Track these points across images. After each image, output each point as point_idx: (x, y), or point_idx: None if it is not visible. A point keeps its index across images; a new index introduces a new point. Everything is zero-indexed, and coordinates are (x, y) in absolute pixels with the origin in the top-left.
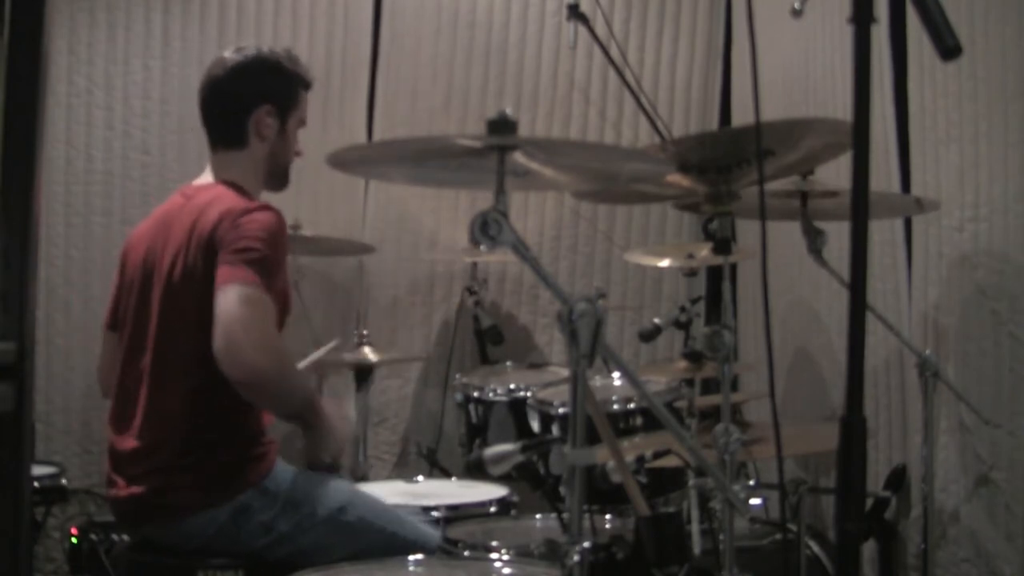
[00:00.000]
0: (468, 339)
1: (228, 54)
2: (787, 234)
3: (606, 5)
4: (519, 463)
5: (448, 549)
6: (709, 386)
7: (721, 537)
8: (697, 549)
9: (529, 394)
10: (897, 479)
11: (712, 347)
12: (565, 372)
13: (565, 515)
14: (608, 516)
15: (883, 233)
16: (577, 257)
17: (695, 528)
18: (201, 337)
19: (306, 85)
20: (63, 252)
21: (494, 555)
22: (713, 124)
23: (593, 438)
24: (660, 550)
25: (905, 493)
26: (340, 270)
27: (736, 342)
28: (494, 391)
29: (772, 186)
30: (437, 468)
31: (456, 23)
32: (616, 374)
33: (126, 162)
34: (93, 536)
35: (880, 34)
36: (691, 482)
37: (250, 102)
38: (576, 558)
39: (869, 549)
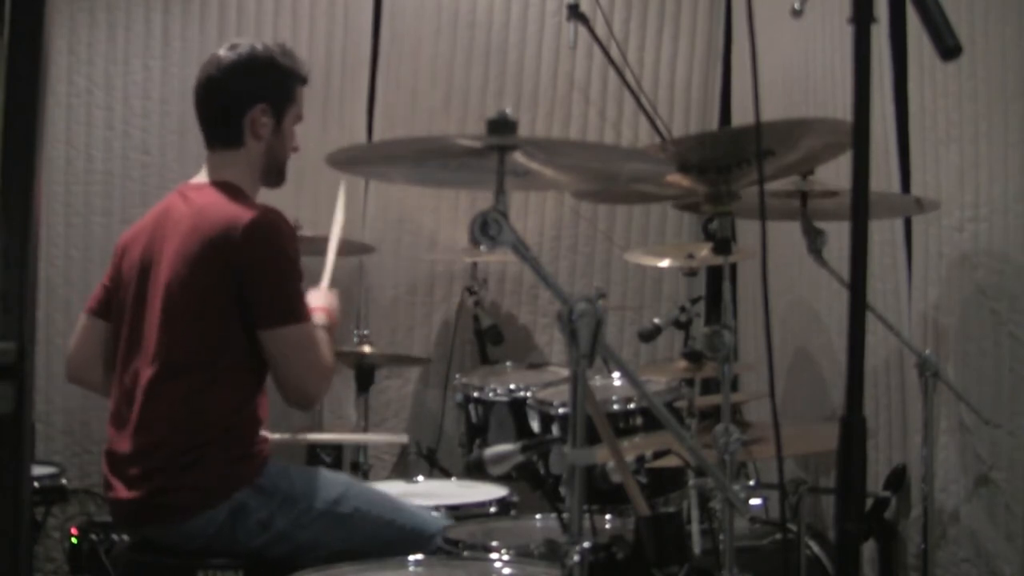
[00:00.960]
0: (468, 339)
1: (222, 52)
2: (787, 234)
3: (606, 5)
4: (519, 463)
5: (448, 549)
6: (709, 386)
7: (721, 537)
8: (697, 549)
9: (529, 394)
10: (897, 479)
11: (712, 347)
12: (565, 372)
13: (565, 515)
14: (608, 516)
15: (883, 233)
16: (577, 257)
17: (695, 528)
18: (201, 338)
19: (302, 80)
20: (63, 252)
21: (494, 555)
22: (713, 124)
23: (593, 438)
24: (660, 550)
25: (905, 493)
26: (340, 271)
27: (736, 342)
28: (494, 391)
29: (772, 186)
30: (437, 468)
31: (456, 23)
32: (616, 374)
33: (126, 162)
34: (93, 536)
35: (880, 34)
36: (691, 482)
37: (244, 101)
38: (576, 558)
39: (869, 549)
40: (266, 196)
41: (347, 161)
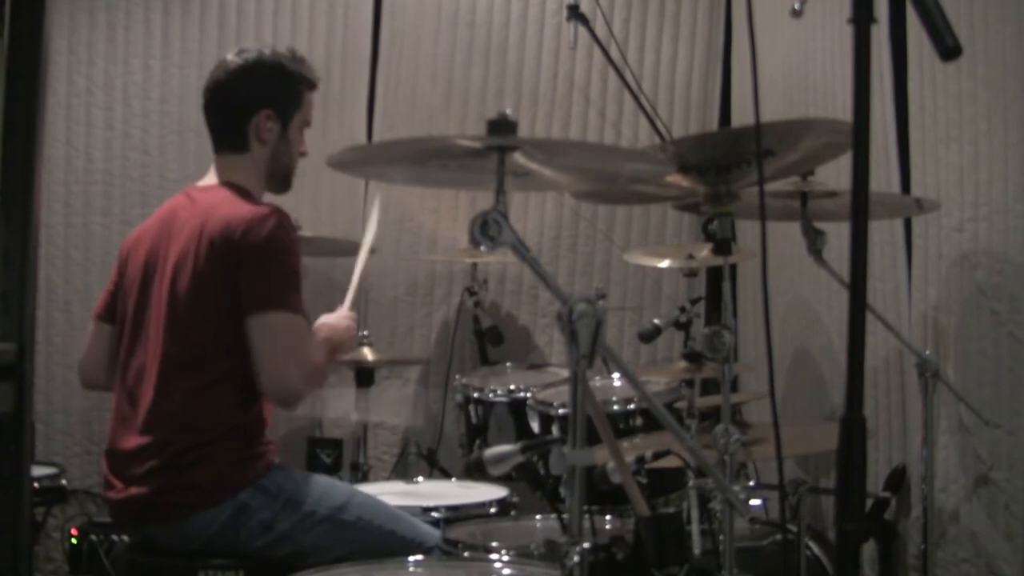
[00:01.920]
0: (468, 339)
1: (230, 56)
2: (787, 234)
3: (606, 5)
4: (519, 464)
5: (448, 550)
6: (709, 387)
7: (721, 538)
8: (697, 550)
9: (529, 395)
10: (897, 479)
11: (712, 348)
12: (565, 373)
13: (565, 516)
14: (608, 517)
15: (883, 233)
16: (577, 257)
17: (695, 529)
18: (205, 338)
19: (310, 85)
20: (63, 252)
21: (494, 556)
22: (713, 124)
23: (593, 439)
24: (660, 551)
25: (905, 493)
26: (340, 270)
27: (736, 342)
28: (494, 392)
29: (772, 186)
30: (437, 469)
31: (456, 23)
32: (616, 374)
33: (126, 162)
34: (93, 536)
35: (880, 34)
36: (691, 483)
37: (249, 106)
38: (576, 559)
39: (869, 549)
40: (268, 198)
41: (347, 161)
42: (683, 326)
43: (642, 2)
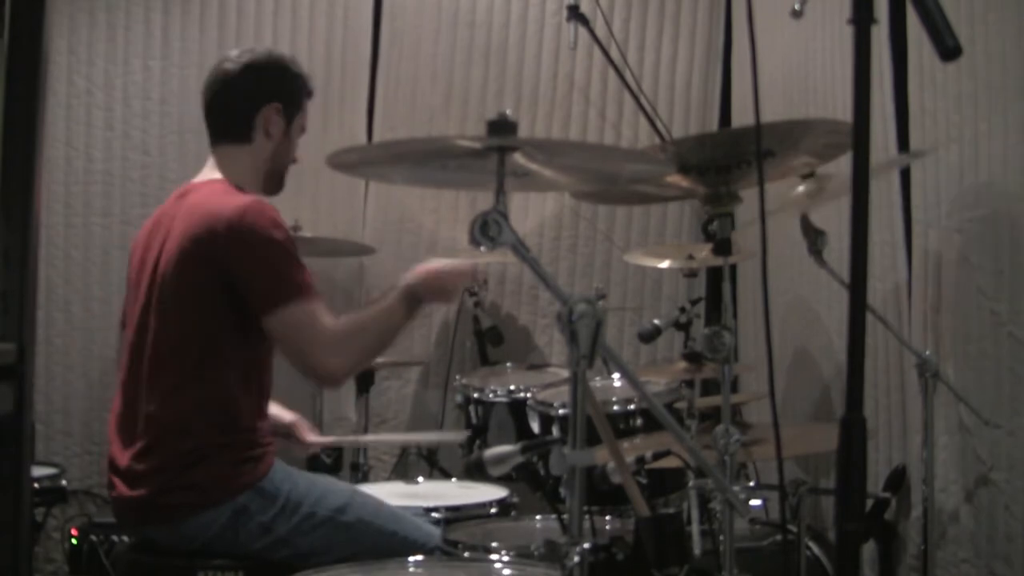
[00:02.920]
0: (468, 340)
1: (237, 52)
2: (787, 234)
3: (606, 6)
4: (519, 464)
5: (448, 550)
6: (709, 387)
7: (721, 538)
8: (697, 550)
9: (529, 395)
10: (897, 479)
11: (712, 348)
12: (565, 373)
13: (565, 516)
14: (608, 517)
15: (883, 233)
16: (577, 257)
17: (695, 529)
18: (197, 339)
19: (309, 92)
20: (63, 252)
21: (494, 556)
22: (713, 125)
23: (593, 439)
24: (660, 551)
25: (905, 493)
26: (340, 271)
27: (736, 343)
28: (494, 392)
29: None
30: (437, 469)
31: (456, 23)
32: (616, 375)
33: (126, 162)
34: (93, 537)
35: (880, 34)
36: (691, 483)
37: (261, 97)
38: (576, 559)
39: (869, 550)
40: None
41: (347, 162)
42: (683, 326)
43: (642, 2)
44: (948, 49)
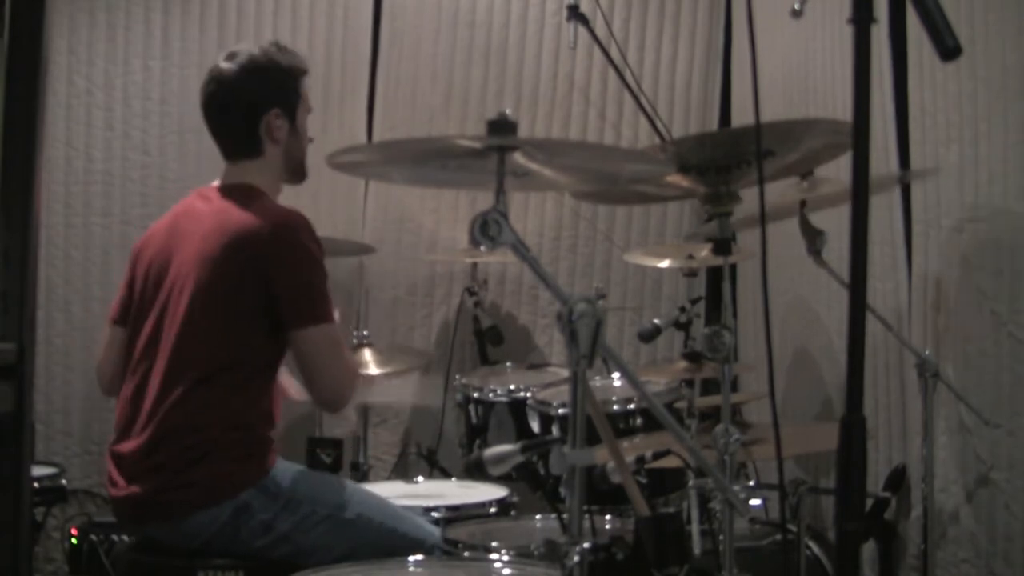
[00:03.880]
0: (468, 339)
1: (223, 64)
2: (787, 234)
3: (606, 5)
4: (519, 464)
5: (448, 550)
6: (709, 387)
7: (721, 538)
8: (697, 550)
9: (529, 395)
10: (897, 479)
11: (712, 348)
12: (565, 372)
13: (565, 516)
14: (608, 516)
15: (883, 233)
16: (577, 257)
17: (695, 529)
18: (223, 339)
19: (303, 72)
20: (63, 252)
21: (494, 556)
22: (713, 125)
23: (593, 439)
24: (660, 551)
25: (905, 493)
26: (340, 271)
27: (736, 343)
28: (494, 392)
29: (770, 198)
30: (437, 469)
31: (456, 23)
32: (616, 374)
33: (126, 162)
34: (93, 536)
35: (880, 34)
36: (691, 483)
37: (256, 110)
38: (576, 559)
39: (869, 549)
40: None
41: (347, 162)
42: (683, 326)
43: (642, 2)
44: (948, 49)
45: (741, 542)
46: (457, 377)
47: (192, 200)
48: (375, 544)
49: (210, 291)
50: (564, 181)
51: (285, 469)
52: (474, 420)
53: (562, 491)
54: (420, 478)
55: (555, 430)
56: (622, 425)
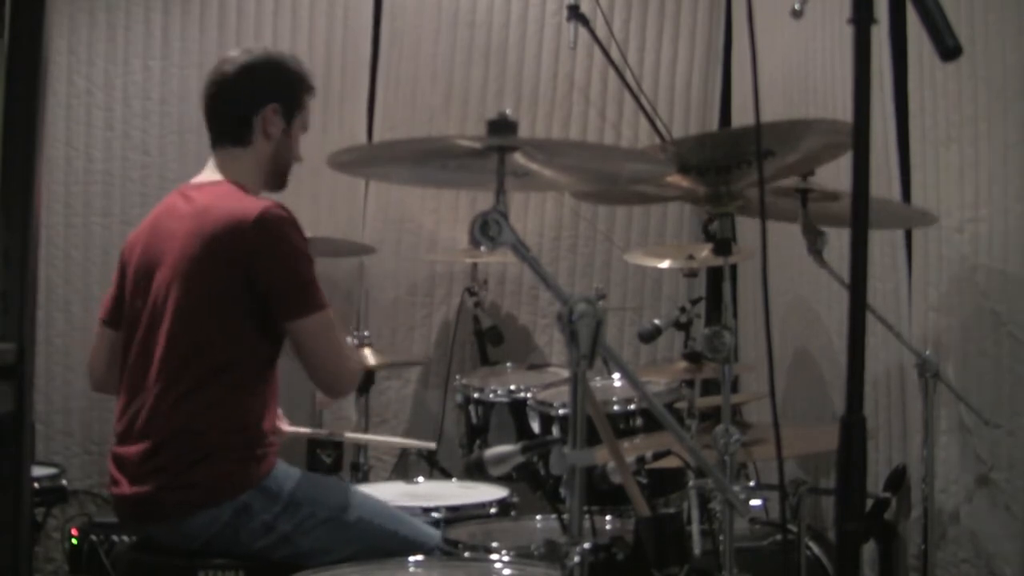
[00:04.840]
0: (468, 340)
1: (235, 53)
2: (787, 234)
3: (606, 6)
4: (519, 464)
5: (448, 550)
6: (709, 387)
7: (721, 538)
8: (697, 550)
9: (529, 395)
10: (897, 479)
11: (712, 348)
12: (565, 373)
13: (565, 516)
14: (608, 517)
15: (883, 234)
16: (577, 257)
17: (695, 529)
18: (212, 336)
19: (310, 89)
20: (63, 252)
21: (494, 556)
22: (713, 125)
23: (593, 439)
24: (660, 551)
25: (905, 493)
26: (340, 271)
27: (736, 343)
28: (494, 392)
29: (772, 185)
30: (437, 469)
31: (456, 23)
32: (616, 375)
33: (126, 162)
34: (93, 537)
35: (880, 34)
36: (691, 483)
37: (258, 99)
38: (576, 559)
39: (869, 550)
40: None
41: (347, 161)
42: (683, 326)
43: (642, 2)
44: (948, 49)
45: (741, 542)
46: (457, 377)
47: (173, 199)
48: (375, 546)
49: (197, 292)
50: (564, 181)
51: (286, 470)
52: (474, 420)
53: (562, 491)
54: (420, 478)
55: (555, 430)
56: (622, 425)
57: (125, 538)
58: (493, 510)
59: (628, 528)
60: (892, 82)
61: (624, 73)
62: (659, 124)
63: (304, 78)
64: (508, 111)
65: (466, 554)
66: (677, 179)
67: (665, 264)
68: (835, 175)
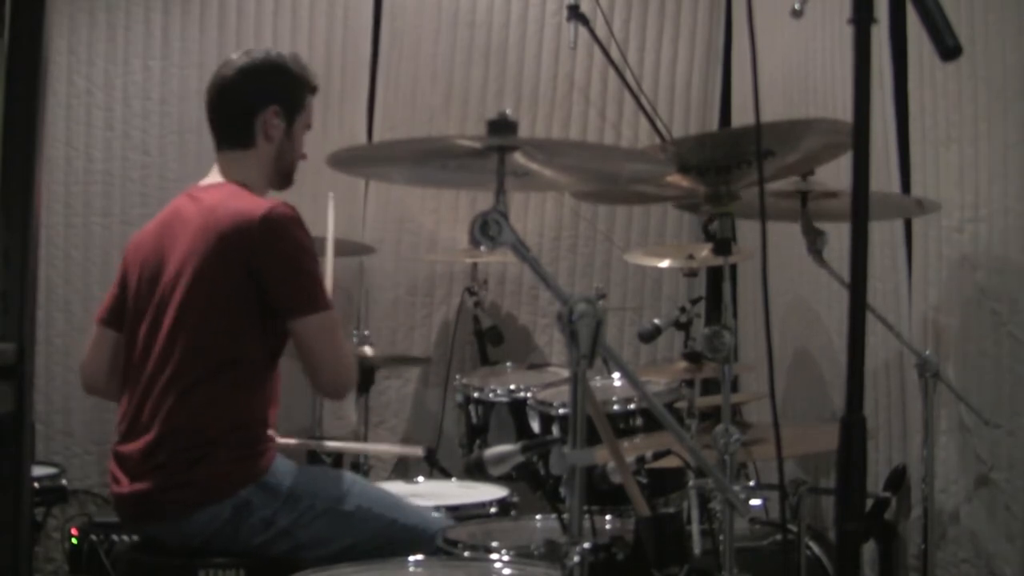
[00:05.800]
0: (468, 340)
1: (235, 56)
2: (787, 234)
3: (606, 6)
4: (519, 464)
5: (448, 550)
6: (709, 387)
7: (721, 538)
8: (697, 550)
9: (529, 395)
10: (897, 479)
11: (712, 348)
12: (565, 373)
13: (565, 516)
14: (608, 517)
15: (883, 233)
16: (577, 257)
17: (695, 529)
18: (217, 336)
19: (312, 89)
20: (63, 252)
21: (494, 556)
22: (713, 125)
23: (593, 439)
24: (660, 551)
25: (905, 493)
26: (340, 271)
27: (736, 343)
28: (494, 392)
29: (772, 186)
30: (437, 469)
31: (456, 23)
32: (616, 374)
33: (126, 162)
34: (93, 537)
35: (880, 34)
36: (691, 483)
37: (258, 102)
38: (576, 559)
39: (869, 550)
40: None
41: (347, 161)
42: (683, 326)
43: (642, 2)
44: (948, 49)
45: (741, 542)
46: (457, 377)
47: (181, 200)
48: (375, 535)
49: (203, 290)
50: (564, 181)
51: (284, 465)
52: (474, 420)
53: (562, 491)
54: (420, 478)
55: (555, 430)
56: (622, 425)
57: (125, 538)
58: (493, 510)
59: (628, 528)
60: (892, 82)
61: (624, 73)
62: (659, 124)
63: (305, 78)
64: (508, 111)
65: (466, 554)
66: (677, 179)
67: (665, 264)
68: (835, 175)
